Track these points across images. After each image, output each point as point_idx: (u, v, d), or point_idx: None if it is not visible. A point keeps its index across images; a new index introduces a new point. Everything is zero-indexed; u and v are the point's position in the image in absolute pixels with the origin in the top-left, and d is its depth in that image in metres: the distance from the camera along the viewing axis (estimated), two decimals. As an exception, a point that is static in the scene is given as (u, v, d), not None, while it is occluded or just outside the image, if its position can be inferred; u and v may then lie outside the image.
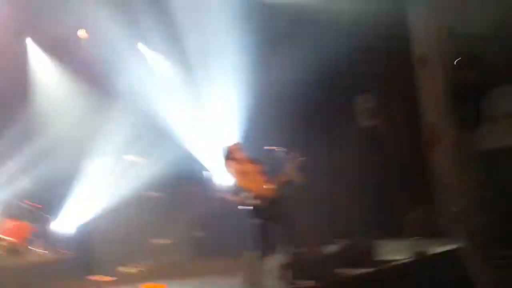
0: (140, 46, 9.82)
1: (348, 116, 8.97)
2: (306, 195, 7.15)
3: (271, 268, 6.18)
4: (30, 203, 8.03)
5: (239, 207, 5.73)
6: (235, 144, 6.11)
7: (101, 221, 8.16)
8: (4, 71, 8.35)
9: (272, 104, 8.62)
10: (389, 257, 6.81)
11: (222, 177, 7.15)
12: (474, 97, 8.19)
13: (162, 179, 8.65)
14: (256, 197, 5.66)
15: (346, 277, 6.17)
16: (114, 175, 8.63)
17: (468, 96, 8.11)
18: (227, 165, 5.78)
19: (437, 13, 8.16)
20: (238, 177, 5.72)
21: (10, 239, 7.47)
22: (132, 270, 8.10)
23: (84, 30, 9.14)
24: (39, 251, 7.81)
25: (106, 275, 7.80)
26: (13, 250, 7.49)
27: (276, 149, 5.94)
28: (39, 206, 8.10)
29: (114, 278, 7.67)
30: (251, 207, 5.67)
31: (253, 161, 5.94)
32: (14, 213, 7.86)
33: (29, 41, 8.96)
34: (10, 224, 7.64)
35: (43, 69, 9.09)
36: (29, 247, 7.70)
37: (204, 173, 8.43)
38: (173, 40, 9.24)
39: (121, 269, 8.05)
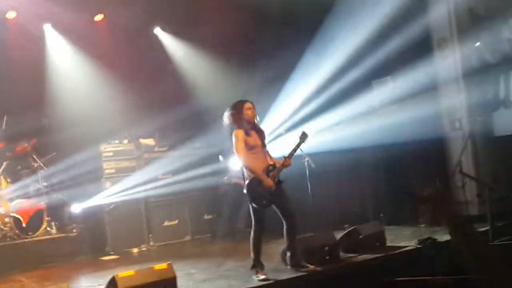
0: (158, 30, 9.92)
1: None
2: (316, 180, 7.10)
3: (278, 252, 6.22)
4: (45, 183, 8.21)
5: (244, 190, 5.70)
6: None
7: (112, 201, 8.27)
8: (24, 58, 8.52)
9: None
10: (398, 243, 6.75)
11: (235, 161, 7.12)
12: (492, 81, 8.00)
13: (176, 162, 8.71)
14: (258, 180, 5.63)
15: (353, 262, 6.14)
16: (130, 158, 8.73)
17: (486, 80, 7.92)
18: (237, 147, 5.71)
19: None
20: (246, 160, 5.67)
21: (23, 218, 7.63)
22: (141, 250, 8.24)
23: (102, 15, 9.25)
24: (52, 230, 8.00)
25: (115, 254, 7.97)
26: (26, 229, 7.65)
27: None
28: (53, 185, 8.28)
29: (121, 257, 7.81)
30: (254, 190, 5.64)
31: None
32: (30, 193, 8.04)
33: (47, 27, 9.08)
34: (25, 203, 7.81)
35: (61, 55, 9.21)
36: (42, 225, 7.86)
37: (220, 156, 8.44)
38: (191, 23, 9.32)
39: (130, 249, 8.19)
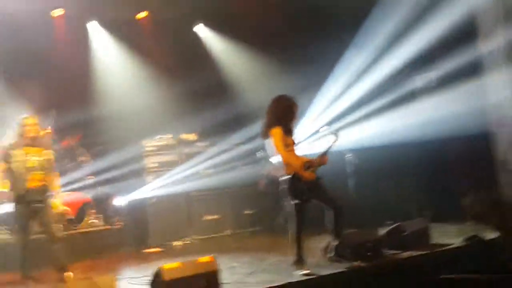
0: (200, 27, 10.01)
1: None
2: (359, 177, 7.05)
3: (320, 248, 6.21)
4: (91, 176, 8.42)
5: (284, 186, 5.71)
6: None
7: (154, 195, 8.41)
8: (71, 54, 8.75)
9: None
10: (443, 241, 6.63)
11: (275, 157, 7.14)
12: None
13: (216, 157, 8.80)
14: (299, 175, 5.64)
15: (397, 259, 6.07)
16: (172, 153, 8.86)
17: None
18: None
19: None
20: (286, 156, 5.68)
21: (69, 209, 7.84)
22: (183, 243, 8.32)
23: (146, 12, 9.41)
24: (96, 222, 8.19)
25: (158, 247, 8.09)
26: (71, 220, 7.87)
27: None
28: (98, 180, 8.48)
29: (164, 250, 7.93)
30: (295, 186, 5.64)
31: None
32: (75, 186, 8.26)
33: (92, 24, 9.29)
34: (71, 196, 8.00)
35: (106, 51, 9.42)
36: (87, 218, 8.08)
37: (259, 152, 8.48)
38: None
39: (172, 242, 8.29)
